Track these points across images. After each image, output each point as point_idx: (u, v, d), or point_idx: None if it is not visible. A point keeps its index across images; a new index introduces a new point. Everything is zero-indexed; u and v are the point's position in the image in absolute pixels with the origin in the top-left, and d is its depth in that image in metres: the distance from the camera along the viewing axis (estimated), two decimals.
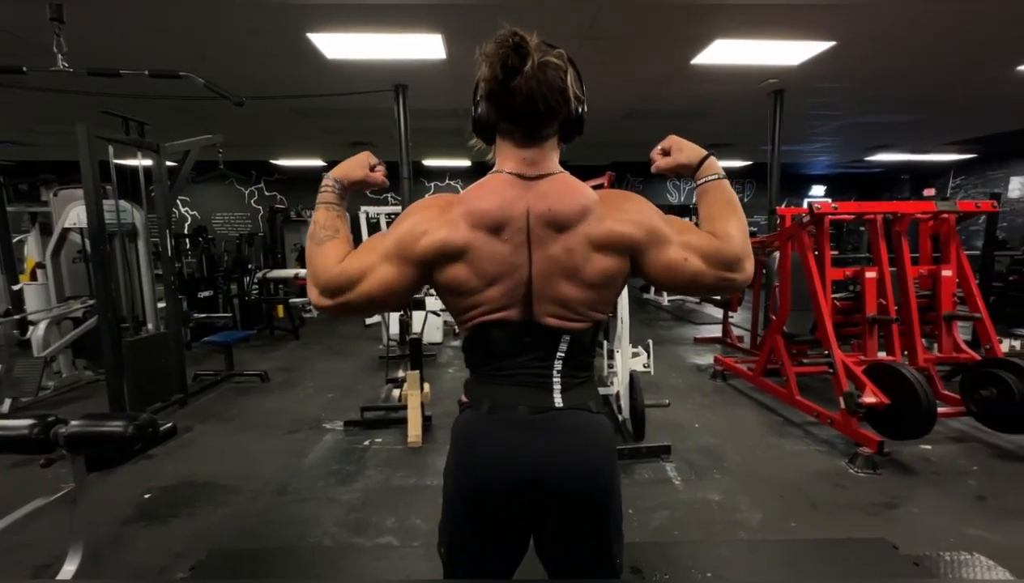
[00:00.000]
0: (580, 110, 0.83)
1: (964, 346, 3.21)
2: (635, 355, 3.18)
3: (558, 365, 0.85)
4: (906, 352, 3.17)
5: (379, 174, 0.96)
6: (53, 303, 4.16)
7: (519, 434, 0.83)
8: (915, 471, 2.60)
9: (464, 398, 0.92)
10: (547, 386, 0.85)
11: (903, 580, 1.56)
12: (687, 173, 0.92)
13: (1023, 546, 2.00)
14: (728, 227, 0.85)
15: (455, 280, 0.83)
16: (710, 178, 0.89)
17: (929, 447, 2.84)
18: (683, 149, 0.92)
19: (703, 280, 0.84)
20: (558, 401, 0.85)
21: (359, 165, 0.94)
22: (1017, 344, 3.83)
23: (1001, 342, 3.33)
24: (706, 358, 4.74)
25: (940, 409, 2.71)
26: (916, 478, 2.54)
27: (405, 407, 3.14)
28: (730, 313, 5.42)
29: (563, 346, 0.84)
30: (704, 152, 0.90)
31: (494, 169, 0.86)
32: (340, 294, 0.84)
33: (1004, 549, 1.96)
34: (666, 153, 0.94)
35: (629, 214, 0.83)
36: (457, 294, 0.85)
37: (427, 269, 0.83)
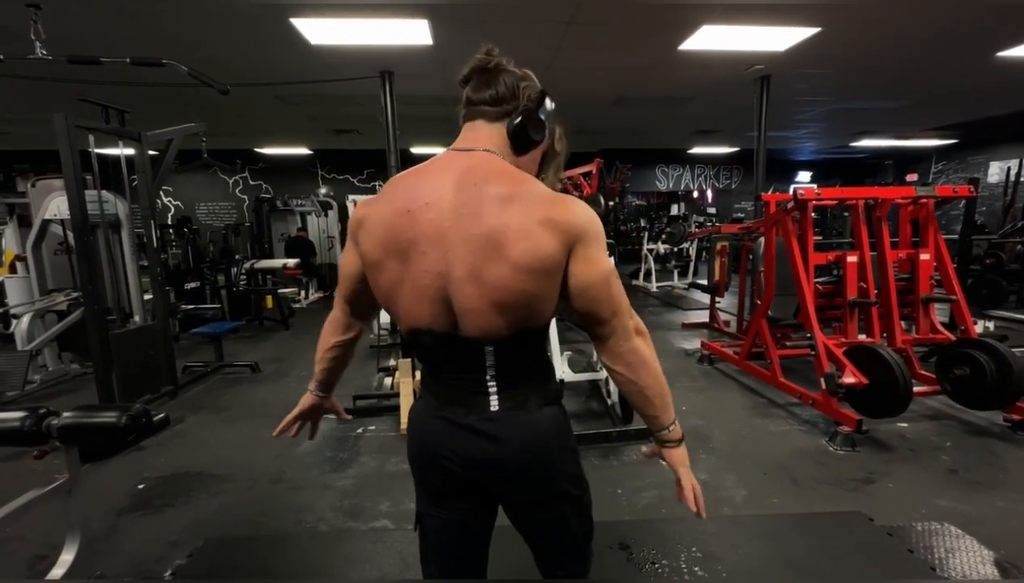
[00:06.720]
0: None
1: (940, 327, 3.30)
2: None
3: (491, 371, 0.85)
4: (885, 334, 3.26)
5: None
6: (36, 296, 4.09)
7: (460, 434, 0.87)
8: (892, 448, 2.70)
9: (418, 384, 0.97)
10: (482, 391, 0.86)
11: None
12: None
13: (989, 515, 2.10)
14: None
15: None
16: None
17: (905, 425, 2.95)
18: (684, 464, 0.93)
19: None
20: (494, 404, 0.86)
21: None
22: (991, 325, 3.95)
23: (976, 323, 3.43)
24: (693, 343, 4.82)
25: (916, 388, 2.81)
26: (892, 454, 2.64)
27: (397, 395, 3.17)
28: (717, 299, 5.51)
29: (489, 358, 0.84)
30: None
31: None
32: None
33: (972, 518, 2.07)
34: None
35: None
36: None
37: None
